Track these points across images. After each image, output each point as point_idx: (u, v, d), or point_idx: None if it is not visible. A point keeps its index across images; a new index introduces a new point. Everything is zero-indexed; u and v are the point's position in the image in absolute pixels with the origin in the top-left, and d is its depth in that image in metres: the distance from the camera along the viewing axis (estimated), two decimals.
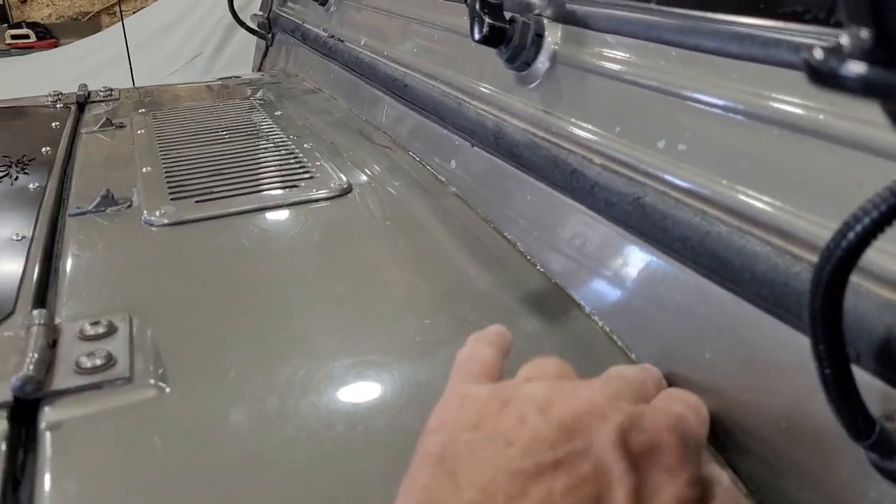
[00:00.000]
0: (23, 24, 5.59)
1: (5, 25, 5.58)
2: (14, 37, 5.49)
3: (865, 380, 0.36)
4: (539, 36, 0.67)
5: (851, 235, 0.29)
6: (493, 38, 0.67)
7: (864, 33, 0.22)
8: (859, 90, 0.21)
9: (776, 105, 0.43)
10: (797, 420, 0.39)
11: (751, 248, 0.43)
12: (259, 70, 1.84)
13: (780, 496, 0.40)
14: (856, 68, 0.21)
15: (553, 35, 0.66)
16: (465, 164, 0.80)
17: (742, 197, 0.44)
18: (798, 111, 0.42)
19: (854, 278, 0.36)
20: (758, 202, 0.43)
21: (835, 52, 0.22)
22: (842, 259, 0.30)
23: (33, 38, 5.50)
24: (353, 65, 1.16)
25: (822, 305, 0.31)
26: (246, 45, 2.60)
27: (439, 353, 0.52)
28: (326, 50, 1.31)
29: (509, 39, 0.67)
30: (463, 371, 0.40)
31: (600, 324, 0.55)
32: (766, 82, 0.45)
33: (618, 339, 0.53)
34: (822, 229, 0.39)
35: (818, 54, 0.22)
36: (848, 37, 0.23)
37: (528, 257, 0.65)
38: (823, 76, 0.22)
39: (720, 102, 0.48)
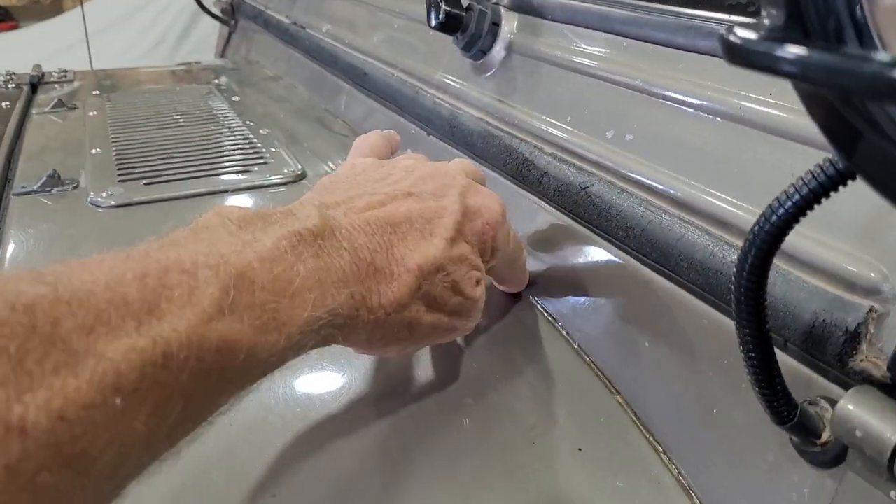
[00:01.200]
0: None
1: None
2: None
3: (793, 366, 0.37)
4: (496, 24, 0.67)
5: (774, 219, 0.30)
6: (450, 25, 0.67)
7: (778, 13, 0.22)
8: (771, 68, 0.22)
9: (718, 96, 0.44)
10: (728, 406, 0.40)
11: (689, 237, 0.43)
12: (221, 57, 1.81)
13: (711, 482, 0.41)
14: (768, 47, 0.21)
15: (509, 24, 0.66)
16: (421, 153, 0.79)
17: (684, 187, 0.45)
18: (737, 101, 0.42)
19: (784, 266, 0.37)
20: (698, 192, 0.44)
21: (750, 31, 0.22)
22: (764, 243, 0.30)
23: None
24: (314, 53, 1.15)
25: (746, 290, 0.32)
26: (210, 33, 2.56)
27: None
28: (288, 37, 1.29)
29: (466, 27, 0.67)
30: (357, 150, 0.53)
31: (544, 310, 0.55)
32: (710, 73, 0.45)
33: (561, 326, 0.54)
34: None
35: (734, 34, 0.22)
36: (764, 17, 0.23)
37: None
38: (739, 54, 0.22)
39: (666, 93, 0.48)
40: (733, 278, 0.32)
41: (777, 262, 0.38)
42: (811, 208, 0.29)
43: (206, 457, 0.41)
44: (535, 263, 0.57)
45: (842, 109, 0.22)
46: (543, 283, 0.56)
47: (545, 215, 0.57)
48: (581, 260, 0.53)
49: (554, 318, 0.54)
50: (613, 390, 0.48)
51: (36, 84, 1.28)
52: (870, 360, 0.33)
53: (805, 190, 0.28)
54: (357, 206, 0.39)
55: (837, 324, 0.34)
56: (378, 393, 0.47)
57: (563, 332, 0.53)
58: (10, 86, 1.26)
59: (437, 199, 0.42)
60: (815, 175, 0.28)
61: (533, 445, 0.44)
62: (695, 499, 0.41)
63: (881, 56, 0.18)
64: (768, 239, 0.30)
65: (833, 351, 0.34)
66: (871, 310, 0.33)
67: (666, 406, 0.44)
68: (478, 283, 0.43)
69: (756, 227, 0.31)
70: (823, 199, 0.29)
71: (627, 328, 0.48)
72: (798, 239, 0.37)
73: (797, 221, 0.29)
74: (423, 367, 0.49)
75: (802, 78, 0.20)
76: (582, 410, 0.47)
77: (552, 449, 0.43)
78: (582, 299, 0.52)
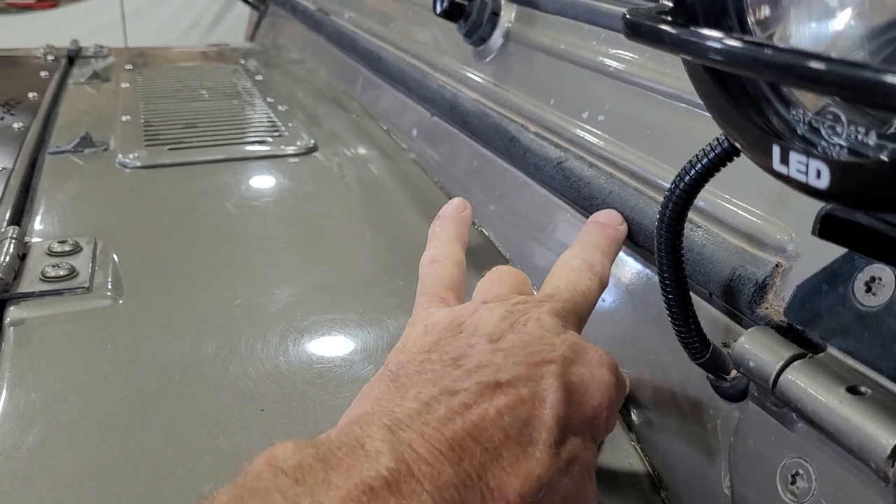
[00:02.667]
0: None
1: None
2: None
3: (715, 316, 0.42)
4: (495, 14, 0.72)
5: (687, 178, 0.35)
6: (453, 13, 0.72)
7: (669, 1, 0.28)
8: (659, 43, 0.27)
9: (677, 83, 0.49)
10: (662, 353, 0.45)
11: (642, 206, 0.48)
12: (251, 40, 1.88)
13: (647, 419, 0.46)
14: (652, 25, 0.27)
15: (508, 14, 0.72)
16: (425, 132, 0.85)
17: (642, 161, 0.50)
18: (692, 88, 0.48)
19: (712, 228, 0.42)
20: (652, 165, 0.49)
21: (646, 13, 0.28)
22: (680, 199, 0.36)
23: None
24: (335, 38, 1.21)
25: (666, 240, 0.37)
26: (242, 19, 2.63)
27: (373, 286, 0.58)
28: (313, 23, 1.35)
29: (468, 15, 0.73)
30: (430, 288, 0.45)
31: (516, 267, 0.61)
32: (673, 63, 0.50)
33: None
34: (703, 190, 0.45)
35: (632, 14, 0.28)
36: (661, 3, 0.28)
37: None
38: (633, 30, 0.27)
39: (634, 79, 0.54)
40: (655, 231, 0.37)
41: (706, 224, 0.44)
42: (712, 175, 0.35)
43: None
44: (514, 232, 0.63)
45: (706, 79, 0.27)
46: (520, 250, 0.62)
47: (527, 188, 0.63)
48: (552, 226, 0.59)
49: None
50: None
51: (73, 57, 1.36)
52: (773, 307, 0.38)
53: (705, 160, 0.34)
54: (437, 416, 0.31)
55: (750, 277, 0.39)
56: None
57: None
58: (49, 58, 1.34)
59: (531, 384, 0.34)
60: (713, 147, 0.34)
61: None
62: (632, 432, 0.47)
63: (716, 34, 0.23)
64: (681, 196, 0.36)
65: (745, 300, 0.40)
66: (777, 265, 0.39)
67: (610, 345, 0.50)
68: (591, 478, 0.36)
69: (671, 188, 0.36)
70: (721, 167, 0.34)
71: None
72: (723, 204, 0.42)
73: (703, 185, 0.35)
74: (399, 312, 0.55)
75: (669, 49, 0.26)
76: None
77: None
78: (550, 257, 0.58)
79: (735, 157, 0.34)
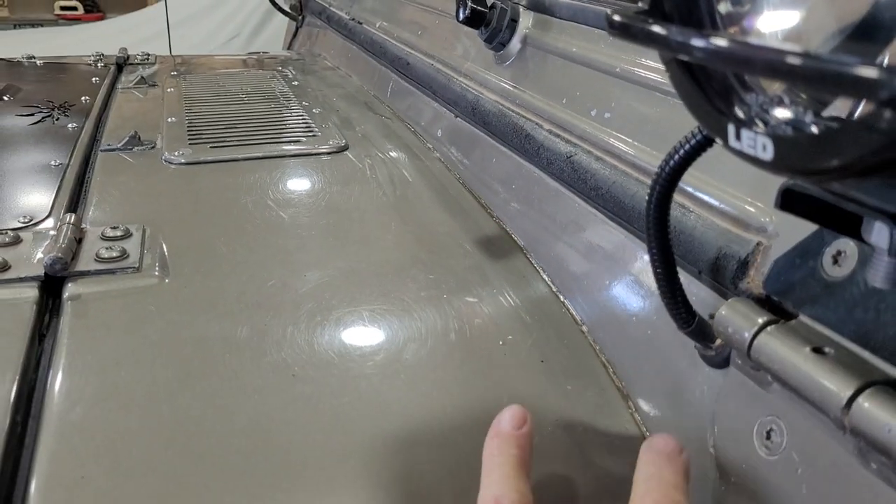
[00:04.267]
0: None
1: None
2: (63, 8, 5.68)
3: (704, 292, 0.46)
4: (514, 21, 0.77)
5: (672, 163, 0.39)
6: (474, 20, 0.77)
7: (646, 2, 0.32)
8: (639, 39, 0.31)
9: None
10: (658, 327, 0.49)
11: (641, 194, 0.52)
12: (288, 49, 1.95)
13: (642, 386, 0.50)
14: (631, 23, 0.31)
15: (525, 21, 0.76)
16: (449, 133, 0.90)
17: (640, 155, 0.54)
18: None
19: (701, 211, 0.46)
20: (651, 157, 0.53)
21: (627, 13, 0.32)
22: (666, 181, 0.40)
23: (81, 11, 5.69)
24: (367, 45, 1.27)
25: (654, 218, 0.41)
26: (281, 29, 2.72)
27: (397, 273, 0.63)
28: (347, 32, 1.42)
29: (488, 22, 0.77)
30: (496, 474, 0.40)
31: (531, 258, 0.65)
32: None
33: (543, 273, 0.64)
34: (693, 178, 0.49)
35: (615, 14, 0.32)
36: (640, 4, 0.33)
37: (486, 209, 0.75)
38: (614, 27, 0.32)
39: (638, 78, 0.58)
40: (646, 210, 0.41)
41: (697, 209, 0.48)
42: (693, 159, 0.38)
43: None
44: (528, 223, 0.67)
45: (677, 71, 0.31)
46: (533, 238, 0.66)
47: (541, 182, 0.67)
48: (562, 216, 0.63)
49: (540, 268, 0.64)
50: (577, 321, 0.58)
51: (122, 64, 1.44)
52: (754, 282, 0.42)
53: (687, 146, 0.38)
54: None
55: (734, 255, 0.43)
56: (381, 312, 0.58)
57: (546, 278, 0.63)
58: (99, 65, 1.42)
59: None
60: (694, 135, 0.38)
61: (504, 356, 0.54)
62: (629, 401, 0.50)
63: (685, 31, 0.27)
64: (666, 179, 0.40)
65: (729, 276, 0.43)
66: (758, 244, 0.42)
67: (612, 327, 0.54)
68: None
69: (657, 172, 0.40)
70: (701, 153, 0.38)
71: (592, 268, 0.58)
72: (712, 190, 0.46)
73: (686, 168, 0.39)
74: (420, 294, 0.60)
75: (644, 43, 0.30)
76: (548, 333, 0.56)
77: (520, 359, 0.53)
78: (561, 245, 0.62)
79: (711, 145, 0.38)
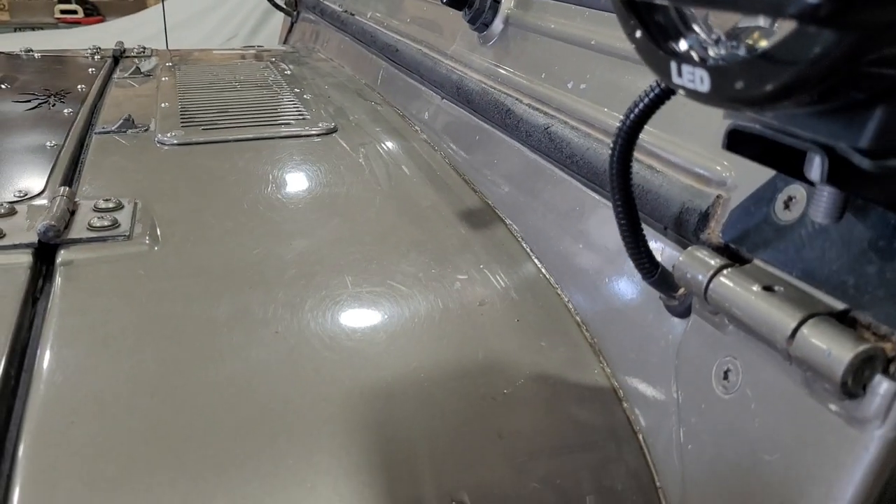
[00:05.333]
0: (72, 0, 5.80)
1: (55, 0, 5.80)
2: (63, 11, 5.70)
3: (670, 247, 0.48)
4: (496, 2, 0.79)
5: (632, 116, 0.41)
6: (458, 2, 0.79)
7: None
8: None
9: None
10: (625, 285, 0.51)
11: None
12: (284, 43, 1.97)
13: (612, 342, 0.52)
14: None
15: (508, 1, 0.78)
16: (435, 115, 0.92)
17: (613, 122, 0.56)
18: None
19: (665, 170, 0.48)
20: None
21: None
22: (627, 134, 0.42)
23: (81, 14, 5.72)
24: (359, 36, 1.29)
25: (617, 171, 0.43)
26: (279, 29, 2.74)
27: (382, 241, 0.65)
28: (339, 23, 1.44)
29: (472, 4, 0.79)
30: None
31: (511, 228, 0.67)
32: None
33: (523, 241, 0.65)
34: (660, 140, 0.51)
35: None
36: None
37: (470, 184, 0.77)
38: None
39: (612, 50, 0.60)
40: (609, 165, 0.43)
41: (662, 168, 0.49)
42: (652, 112, 0.40)
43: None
44: (509, 195, 0.69)
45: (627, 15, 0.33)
46: (512, 209, 0.68)
47: (520, 154, 0.69)
48: (541, 186, 0.65)
49: (521, 239, 0.66)
50: (552, 284, 0.59)
51: (118, 57, 1.46)
52: (714, 232, 0.44)
53: (646, 99, 0.40)
54: None
55: (695, 208, 0.45)
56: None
57: (525, 246, 0.65)
58: (96, 57, 1.44)
59: None
60: (652, 88, 0.40)
61: (482, 316, 0.56)
62: (601, 357, 0.52)
63: None
64: (627, 132, 0.42)
65: (691, 229, 0.45)
66: (718, 196, 0.44)
67: (587, 289, 0.56)
68: None
69: (619, 126, 0.42)
70: (659, 106, 0.40)
71: (568, 233, 0.59)
72: (675, 150, 0.48)
73: (644, 122, 0.41)
74: (403, 261, 0.62)
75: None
76: (525, 296, 0.58)
77: (496, 318, 0.55)
78: (539, 213, 0.64)
79: (668, 98, 0.40)
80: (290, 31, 1.95)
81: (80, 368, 0.49)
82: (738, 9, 0.27)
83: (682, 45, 0.32)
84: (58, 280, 0.58)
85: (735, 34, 0.30)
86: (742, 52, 0.29)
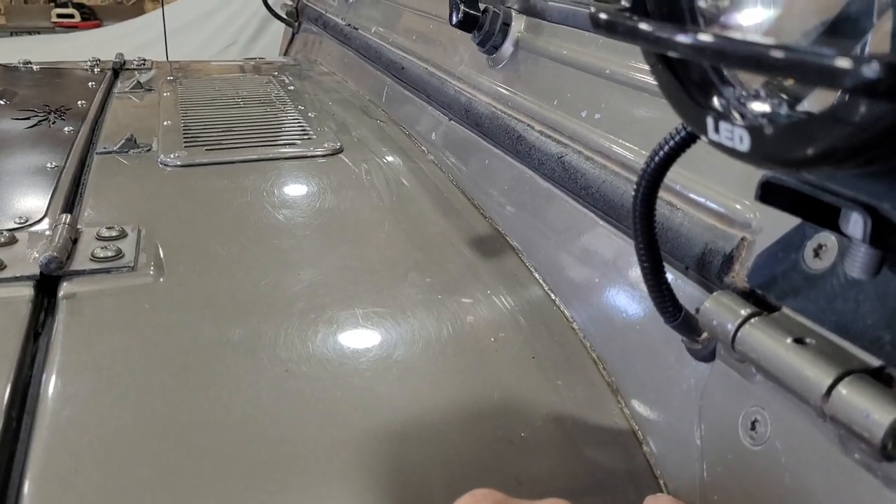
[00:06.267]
0: (69, 3, 5.79)
1: (52, 4, 5.79)
2: (60, 16, 5.69)
3: (691, 288, 0.47)
4: (506, 24, 0.78)
5: (657, 159, 0.40)
6: (467, 24, 0.78)
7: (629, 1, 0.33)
8: (624, 36, 0.32)
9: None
10: (646, 323, 0.50)
11: (630, 192, 0.53)
12: (285, 55, 1.96)
13: (632, 382, 0.51)
14: (613, 20, 0.32)
15: (518, 24, 0.77)
16: (443, 136, 0.91)
17: (629, 154, 0.55)
18: None
19: (688, 208, 0.47)
20: (639, 156, 0.54)
21: (611, 11, 0.33)
22: (651, 177, 0.41)
23: (78, 19, 5.71)
24: (363, 50, 1.28)
25: (640, 213, 0.42)
26: (278, 36, 2.73)
27: (392, 269, 0.64)
28: (343, 37, 1.43)
29: (481, 26, 0.78)
30: None
31: (523, 258, 0.66)
32: None
33: (536, 272, 0.64)
34: (680, 177, 0.50)
35: (598, 11, 0.33)
36: (623, 2, 0.34)
37: (479, 209, 0.76)
38: (597, 24, 0.32)
39: (627, 79, 0.59)
40: (632, 206, 0.42)
41: (684, 206, 0.48)
42: (678, 156, 0.39)
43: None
44: (520, 222, 0.68)
45: (660, 67, 0.32)
46: (524, 237, 0.67)
47: (532, 182, 0.68)
48: (553, 215, 0.63)
49: (533, 268, 0.65)
50: (568, 318, 0.58)
51: (118, 70, 1.45)
52: (738, 276, 0.43)
53: (672, 142, 0.39)
54: None
55: (719, 250, 0.44)
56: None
57: (538, 277, 0.64)
58: (95, 70, 1.43)
59: None
60: (678, 131, 0.39)
61: (496, 353, 0.54)
62: (619, 396, 0.51)
63: (669, 27, 0.28)
64: (652, 175, 0.41)
65: (715, 271, 0.44)
66: (742, 239, 0.43)
67: (602, 324, 0.55)
68: None
69: (643, 168, 0.41)
70: (684, 150, 0.39)
71: (583, 268, 0.58)
72: (699, 188, 0.47)
73: (670, 165, 0.40)
74: (413, 291, 0.61)
75: (629, 39, 0.31)
76: (540, 330, 0.57)
77: (511, 355, 0.54)
78: (553, 245, 0.63)
79: (694, 142, 0.39)
80: (291, 42, 1.94)
81: (84, 409, 0.48)
82: (790, 76, 0.26)
83: (719, 102, 0.31)
84: (60, 314, 0.56)
85: (779, 94, 0.29)
86: (784, 109, 0.28)
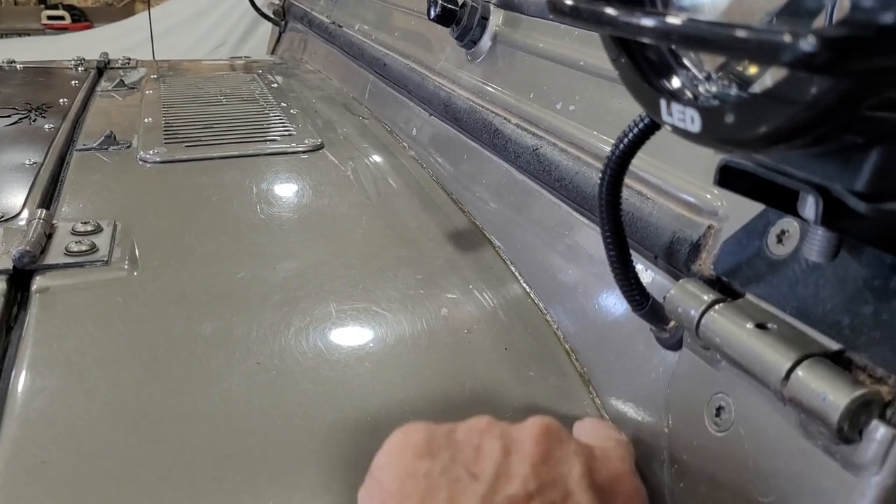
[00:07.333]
0: (59, 5, 5.76)
1: (42, 6, 5.77)
2: (50, 17, 5.66)
3: (660, 276, 0.47)
4: (484, 19, 0.78)
5: (621, 146, 0.40)
6: (445, 18, 0.78)
7: None
8: (585, 21, 0.32)
9: None
10: (617, 316, 0.50)
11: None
12: (272, 54, 1.96)
13: (602, 372, 0.51)
14: (571, 5, 0.32)
15: (496, 18, 0.77)
16: (423, 131, 0.91)
17: (602, 145, 0.55)
18: None
19: (656, 197, 0.47)
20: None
21: None
22: (616, 164, 0.41)
23: (68, 20, 5.68)
24: (346, 47, 1.28)
25: (606, 201, 0.42)
26: (268, 36, 2.72)
27: (368, 263, 0.64)
28: (327, 35, 1.42)
29: (459, 20, 0.78)
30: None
31: (500, 251, 0.66)
32: None
33: (511, 265, 0.64)
34: (650, 166, 0.50)
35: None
36: None
37: (458, 203, 0.76)
38: (554, 9, 0.32)
39: (602, 71, 0.59)
40: (598, 194, 0.42)
41: (653, 195, 0.48)
42: (641, 143, 0.39)
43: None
44: (497, 215, 0.68)
45: (616, 51, 0.32)
46: (500, 230, 0.67)
47: (509, 175, 0.68)
48: (528, 207, 0.64)
49: (509, 262, 0.65)
50: (542, 311, 0.58)
51: (102, 68, 1.44)
52: (705, 264, 0.43)
53: (635, 130, 0.39)
54: None
55: (686, 239, 0.44)
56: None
57: (513, 269, 0.64)
58: (79, 69, 1.42)
59: (563, 495, 0.34)
60: (642, 118, 0.39)
61: (469, 344, 0.54)
62: (591, 386, 0.51)
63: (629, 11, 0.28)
64: (616, 163, 0.41)
65: (682, 259, 0.44)
66: (709, 227, 0.43)
67: (576, 316, 0.55)
68: None
69: (608, 156, 0.41)
70: (648, 138, 0.39)
71: (558, 259, 0.58)
72: (668, 177, 0.47)
73: (634, 153, 0.40)
74: (389, 285, 0.60)
75: (588, 25, 0.31)
76: (514, 322, 0.57)
77: (484, 346, 0.54)
78: (528, 237, 0.63)
79: (658, 129, 0.39)
80: (278, 41, 1.93)
81: (53, 402, 0.48)
82: (731, 54, 0.26)
83: (674, 83, 0.31)
84: (33, 308, 0.56)
85: (726, 69, 0.29)
86: (734, 90, 0.28)
